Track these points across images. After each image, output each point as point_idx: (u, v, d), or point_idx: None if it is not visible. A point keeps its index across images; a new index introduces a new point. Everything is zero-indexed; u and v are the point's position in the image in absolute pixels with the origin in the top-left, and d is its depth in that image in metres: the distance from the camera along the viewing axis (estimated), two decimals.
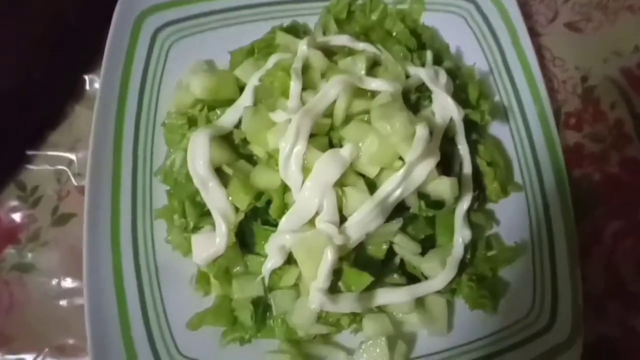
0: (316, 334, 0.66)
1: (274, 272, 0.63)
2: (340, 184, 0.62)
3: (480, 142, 0.73)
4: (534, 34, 0.85)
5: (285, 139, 0.61)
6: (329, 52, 0.73)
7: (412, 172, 0.62)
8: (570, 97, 0.83)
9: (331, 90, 0.64)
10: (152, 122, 0.75)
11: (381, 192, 0.61)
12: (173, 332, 0.66)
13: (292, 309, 0.64)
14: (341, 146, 0.63)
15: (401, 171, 0.61)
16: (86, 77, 0.83)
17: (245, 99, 0.70)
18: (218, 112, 0.72)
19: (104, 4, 0.76)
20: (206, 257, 0.65)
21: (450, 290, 0.68)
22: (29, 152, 0.79)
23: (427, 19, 0.83)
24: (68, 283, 0.73)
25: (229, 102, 0.72)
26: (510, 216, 0.72)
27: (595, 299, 0.72)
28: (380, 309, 0.66)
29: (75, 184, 0.77)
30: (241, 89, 0.72)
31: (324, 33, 0.79)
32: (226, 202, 0.64)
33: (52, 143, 0.79)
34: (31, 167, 0.78)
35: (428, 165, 0.62)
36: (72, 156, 0.79)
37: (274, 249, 0.62)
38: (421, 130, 0.61)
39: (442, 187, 0.64)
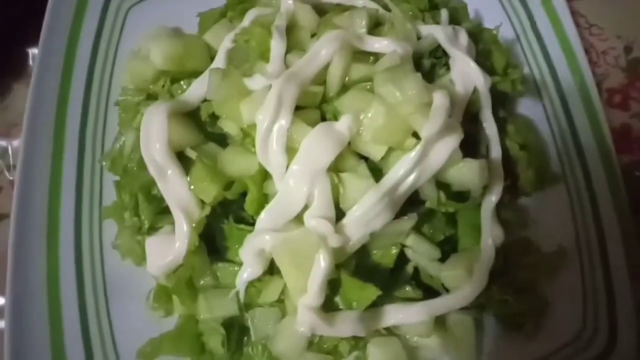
0: None
1: (251, 284, 0.55)
2: (335, 168, 0.53)
3: (509, 121, 0.65)
4: None
5: (264, 111, 0.52)
6: (322, 11, 0.64)
7: (428, 152, 0.52)
8: (612, 71, 0.77)
9: (323, 50, 0.55)
10: (104, 101, 0.69)
11: (389, 179, 0.52)
12: None
13: (275, 332, 0.55)
14: (336, 120, 0.54)
15: (415, 151, 0.51)
16: (29, 51, 0.75)
17: (217, 65, 0.62)
18: (184, 85, 0.64)
19: None
20: (164, 265, 0.56)
21: (478, 307, 0.58)
22: None
23: None
24: None
25: (198, 73, 0.64)
26: (550, 214, 0.65)
27: None
28: (390, 331, 0.58)
29: (10, 178, 0.69)
30: (212, 57, 0.64)
31: None
32: (188, 194, 0.55)
33: None
34: None
35: (449, 144, 0.53)
36: (7, 144, 0.71)
37: (250, 255, 0.53)
38: (440, 98, 0.52)
39: (468, 172, 0.55)
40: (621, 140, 0.71)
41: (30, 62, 0.74)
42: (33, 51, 0.74)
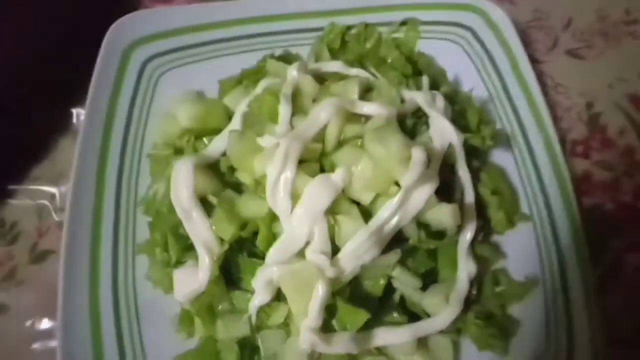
0: None
1: (261, 309, 0.60)
2: (332, 211, 0.58)
3: (482, 170, 0.71)
4: (534, 61, 0.85)
5: (273, 164, 0.58)
6: (321, 80, 0.71)
7: (409, 198, 0.58)
8: (575, 125, 0.81)
9: (322, 113, 0.62)
10: (138, 154, 0.74)
11: (376, 220, 0.58)
12: None
13: (282, 350, 0.59)
14: (333, 172, 0.60)
15: (397, 197, 0.57)
16: (73, 111, 0.82)
17: (234, 126, 0.68)
18: (206, 141, 0.70)
19: (93, 35, 0.76)
20: (188, 293, 0.61)
21: (455, 330, 0.63)
22: (10, 187, 0.76)
23: (423, 46, 0.82)
24: (43, 324, 0.68)
25: (218, 131, 0.70)
26: (519, 249, 0.69)
27: (620, 340, 0.66)
28: (380, 351, 0.62)
29: (57, 219, 0.75)
30: (230, 117, 0.71)
31: (317, 62, 0.77)
32: (210, 233, 0.61)
33: (35, 177, 0.77)
34: (11, 201, 0.76)
35: (426, 190, 0.58)
36: (55, 190, 0.76)
37: (261, 284, 0.58)
38: (418, 153, 0.58)
39: (443, 214, 0.61)
40: (584, 185, 0.76)
41: (74, 120, 0.81)
42: (77, 111, 0.81)
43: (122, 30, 0.77)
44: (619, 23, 0.88)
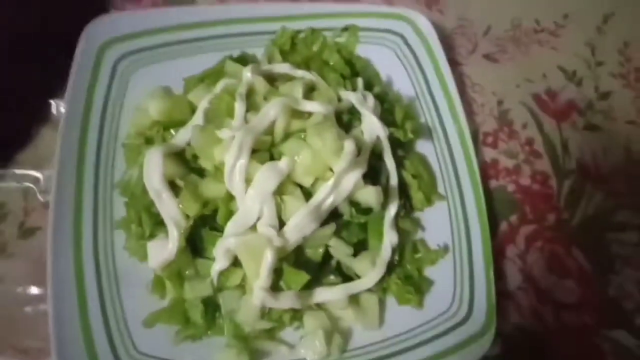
0: (261, 329, 0.69)
1: (221, 273, 0.68)
2: (279, 192, 0.68)
3: (406, 158, 0.81)
4: (455, 63, 0.96)
5: (230, 153, 0.67)
6: (272, 79, 0.81)
7: (341, 181, 0.69)
8: (487, 119, 0.93)
9: (271, 110, 0.71)
10: (113, 143, 0.80)
11: (315, 199, 0.68)
12: (131, 332, 0.68)
13: (239, 306, 0.68)
14: (280, 160, 0.69)
15: (332, 180, 0.67)
16: (52, 102, 0.88)
17: (197, 119, 0.76)
18: (173, 132, 0.77)
19: (68, 32, 0.82)
20: (160, 261, 0.69)
21: (381, 289, 0.74)
22: None
23: (361, 50, 0.92)
24: (33, 290, 0.76)
25: (183, 123, 0.77)
26: (434, 223, 0.80)
27: (511, 294, 0.80)
28: (319, 306, 0.71)
29: (41, 199, 0.81)
30: (194, 111, 0.78)
31: (269, 62, 0.86)
32: (177, 211, 0.69)
33: (19, 162, 0.83)
34: None
35: (355, 175, 0.69)
36: (38, 174, 0.83)
37: (220, 252, 0.67)
38: (349, 145, 0.69)
39: (369, 195, 0.71)
40: (491, 170, 0.88)
41: (54, 110, 0.87)
42: (56, 101, 0.87)
43: (95, 31, 0.83)
44: (529, 31, 1.00)
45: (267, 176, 0.67)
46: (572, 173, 0.88)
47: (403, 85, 0.89)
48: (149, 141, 0.78)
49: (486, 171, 0.87)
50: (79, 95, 0.80)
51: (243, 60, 0.87)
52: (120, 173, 0.79)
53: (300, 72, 0.81)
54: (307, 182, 0.69)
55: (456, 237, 0.79)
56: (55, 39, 0.86)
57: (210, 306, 0.70)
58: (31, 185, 0.83)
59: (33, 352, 0.73)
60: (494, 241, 0.79)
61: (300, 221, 0.67)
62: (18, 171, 0.83)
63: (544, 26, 1.02)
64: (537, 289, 0.80)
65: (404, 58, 0.90)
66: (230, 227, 0.67)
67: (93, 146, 0.79)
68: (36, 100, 0.88)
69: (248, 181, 0.67)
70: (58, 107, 0.88)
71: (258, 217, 0.67)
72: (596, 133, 0.92)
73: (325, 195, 0.69)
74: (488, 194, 0.83)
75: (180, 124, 0.78)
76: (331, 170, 0.69)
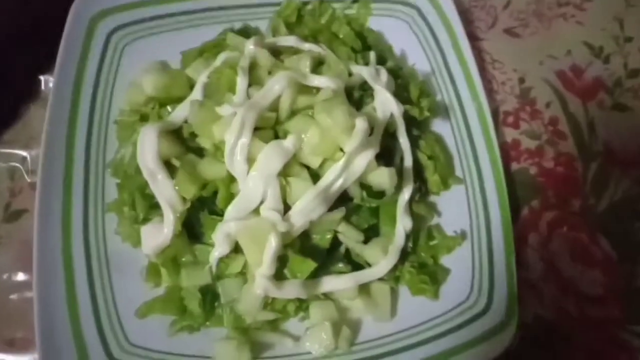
0: (263, 320, 0.67)
1: (221, 260, 0.65)
2: (284, 174, 0.64)
3: (421, 138, 0.77)
4: (474, 38, 0.91)
5: (230, 131, 0.63)
6: (277, 53, 0.76)
7: (352, 162, 0.65)
8: (508, 97, 0.88)
9: (276, 85, 0.67)
10: (105, 120, 0.77)
11: (323, 181, 0.64)
12: (123, 322, 0.66)
13: (239, 296, 0.65)
14: (285, 138, 0.65)
15: (341, 161, 0.63)
16: (42, 78, 0.85)
17: (195, 95, 0.72)
18: (169, 109, 0.74)
19: (60, 6, 0.78)
20: (155, 246, 0.66)
21: (393, 278, 0.70)
22: None
23: (373, 23, 0.87)
24: (19, 277, 0.73)
25: (180, 99, 0.74)
26: (451, 207, 0.76)
27: (533, 284, 0.76)
28: (327, 296, 0.68)
29: (29, 180, 0.78)
30: (192, 87, 0.75)
31: (274, 36, 0.82)
32: (173, 192, 0.66)
33: (6, 141, 0.80)
34: None
35: (367, 156, 0.65)
36: (26, 153, 0.80)
37: (220, 238, 0.64)
38: (360, 123, 0.64)
39: (382, 177, 0.67)
40: (512, 152, 0.83)
41: (43, 87, 0.84)
42: (46, 77, 0.84)
43: (87, 1, 0.79)
44: (552, 5, 0.95)
45: (271, 156, 0.64)
46: (599, 155, 0.84)
47: (418, 60, 0.84)
48: (143, 118, 0.75)
49: (507, 153, 0.83)
50: (69, 70, 0.77)
51: (245, 33, 0.82)
52: (112, 152, 0.75)
53: (307, 45, 0.76)
54: (314, 162, 0.66)
55: (474, 222, 0.75)
56: (46, 11, 0.82)
57: (209, 295, 0.68)
58: (18, 165, 0.80)
59: (19, 343, 0.71)
60: (515, 227, 0.74)
61: (306, 205, 0.63)
62: (4, 150, 0.80)
63: None
64: (559, 279, 0.76)
65: (419, 31, 0.85)
66: (230, 210, 0.64)
67: (84, 124, 0.75)
68: (24, 76, 0.85)
69: (250, 161, 0.64)
70: (47, 83, 0.85)
71: (261, 200, 0.64)
72: (625, 113, 0.86)
73: (335, 177, 0.64)
74: (509, 177, 0.79)
75: (177, 100, 0.75)
76: (341, 150, 0.65)
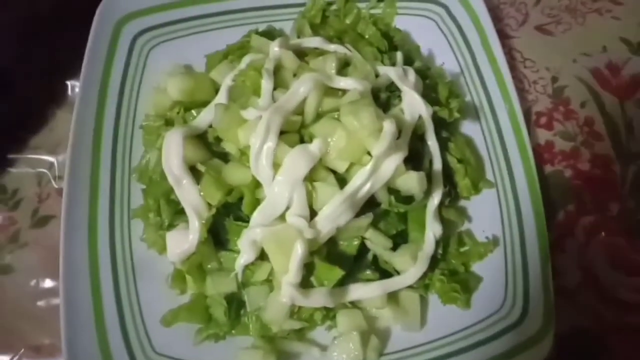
0: (290, 329, 0.66)
1: (247, 267, 0.64)
2: (310, 179, 0.63)
3: (451, 140, 0.75)
4: (504, 36, 0.89)
5: (256, 136, 0.63)
6: (302, 55, 0.75)
7: (379, 166, 0.63)
8: (540, 97, 0.86)
9: (301, 87, 0.66)
10: (131, 125, 0.77)
11: (350, 186, 0.63)
12: (148, 330, 0.66)
13: (265, 304, 0.64)
14: (311, 142, 0.64)
15: (369, 165, 0.62)
16: (68, 83, 0.85)
17: (220, 99, 0.72)
18: (194, 113, 0.74)
19: (84, 10, 0.78)
20: (180, 253, 0.66)
21: (423, 286, 0.69)
22: (10, 156, 0.80)
23: (399, 22, 0.86)
24: (46, 283, 0.73)
25: (205, 103, 0.74)
26: (482, 212, 0.74)
27: (569, 292, 0.73)
28: (354, 305, 0.67)
29: (56, 186, 0.79)
30: (217, 90, 0.74)
31: (299, 37, 0.81)
32: (199, 198, 0.65)
33: (34, 146, 0.81)
34: (12, 170, 0.80)
35: (395, 159, 0.64)
36: (53, 159, 0.80)
37: (246, 244, 0.63)
38: (388, 125, 0.63)
39: (411, 181, 0.66)
40: (546, 154, 0.81)
41: (69, 92, 0.84)
42: (72, 83, 0.85)
43: (112, 5, 0.80)
44: (586, 0, 0.92)
45: (297, 161, 0.62)
46: (638, 157, 0.80)
47: (446, 60, 0.82)
48: (168, 123, 0.75)
49: (540, 155, 0.80)
50: (95, 74, 0.77)
51: (269, 35, 0.82)
52: (138, 158, 0.76)
53: (333, 46, 0.75)
54: (341, 167, 0.64)
55: (507, 228, 0.72)
56: (72, 16, 0.82)
57: (235, 303, 0.67)
58: (45, 171, 0.80)
59: (46, 349, 0.71)
60: (550, 233, 0.71)
61: (333, 211, 0.62)
62: (31, 156, 0.81)
63: None
64: (598, 287, 0.73)
65: (447, 30, 0.83)
66: (256, 216, 0.63)
67: (110, 129, 0.76)
68: (51, 81, 0.85)
69: (276, 166, 0.63)
70: (74, 88, 0.86)
71: (287, 205, 0.63)
72: None
73: (362, 182, 0.63)
74: (542, 180, 0.76)
75: (202, 104, 0.74)
76: (368, 153, 0.64)
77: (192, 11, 0.83)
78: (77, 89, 0.82)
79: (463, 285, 0.69)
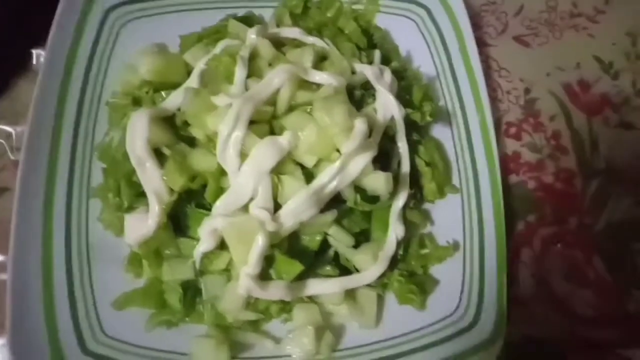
0: (245, 320, 0.65)
1: (205, 256, 0.63)
2: (277, 171, 0.62)
3: (421, 143, 0.75)
4: (482, 44, 0.89)
5: (224, 123, 0.61)
6: (280, 44, 0.74)
7: (348, 164, 0.63)
8: (512, 107, 0.86)
9: (275, 78, 0.65)
10: (97, 101, 0.74)
11: (317, 182, 0.62)
12: (99, 311, 0.65)
13: (222, 293, 0.64)
14: (281, 134, 0.63)
15: (337, 163, 0.62)
16: (33, 52, 0.82)
17: (191, 82, 0.70)
18: (164, 94, 0.72)
19: None
20: (138, 237, 0.65)
21: (381, 285, 0.69)
22: None
23: (380, 20, 0.85)
24: None
25: (176, 85, 0.72)
26: (445, 216, 0.75)
27: (523, 301, 0.74)
28: (311, 299, 0.67)
29: (12, 157, 0.76)
30: (189, 73, 0.73)
31: (278, 26, 0.79)
32: (161, 183, 0.64)
33: None
34: None
35: (364, 158, 0.63)
36: (11, 129, 0.77)
37: (206, 233, 0.62)
38: (360, 124, 0.63)
39: (378, 182, 0.65)
40: (512, 164, 0.81)
41: (34, 61, 0.81)
42: (36, 51, 0.81)
43: None
44: (565, 15, 0.93)
45: (265, 152, 0.62)
46: (600, 174, 0.82)
47: (423, 62, 0.82)
48: (136, 102, 0.73)
49: (506, 164, 0.81)
50: (62, 45, 0.74)
51: (248, 20, 0.80)
52: (102, 135, 0.73)
53: (311, 39, 0.74)
54: (309, 161, 0.64)
55: (468, 234, 0.73)
56: None
57: (190, 290, 0.66)
58: (2, 141, 0.77)
59: None
60: (509, 242, 0.73)
61: (298, 205, 0.61)
62: None
63: (582, 10, 0.94)
64: (551, 298, 0.74)
65: (427, 33, 0.83)
66: (219, 205, 0.63)
67: (73, 102, 0.73)
68: (15, 48, 0.82)
69: (243, 156, 0.62)
70: (39, 57, 0.82)
71: (251, 196, 0.62)
72: (630, 132, 0.84)
73: (329, 179, 0.63)
74: (507, 189, 0.77)
75: (173, 86, 0.73)
76: (338, 151, 0.63)
77: None
78: (42, 59, 0.80)
79: (420, 286, 0.69)
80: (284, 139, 0.62)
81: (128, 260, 0.67)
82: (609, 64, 0.89)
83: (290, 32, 0.75)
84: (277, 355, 0.65)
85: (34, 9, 0.80)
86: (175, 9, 0.81)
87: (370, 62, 0.75)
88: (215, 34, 0.76)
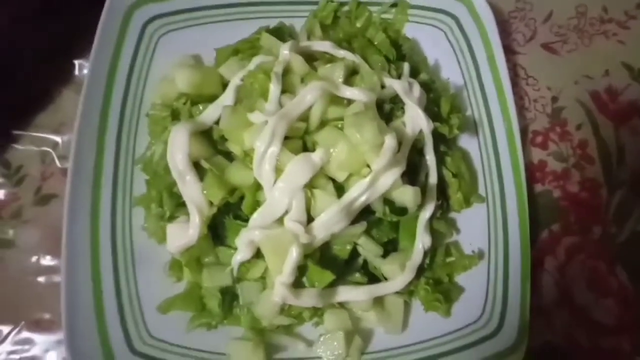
0: (279, 324, 0.69)
1: (242, 264, 0.66)
2: (310, 186, 0.65)
3: (448, 154, 0.76)
4: (510, 51, 0.89)
5: (260, 140, 0.64)
6: (311, 56, 0.75)
7: (377, 180, 0.65)
8: (539, 116, 0.87)
9: (308, 95, 0.66)
10: (137, 112, 0.77)
11: (348, 196, 0.64)
12: (144, 313, 0.68)
13: (258, 300, 0.67)
14: (314, 150, 0.66)
15: (368, 178, 0.64)
16: (76, 62, 0.85)
17: (227, 97, 0.72)
18: (201, 107, 0.74)
19: None
20: (179, 246, 0.68)
21: (408, 292, 0.72)
22: (16, 132, 0.80)
23: (409, 30, 0.86)
24: (47, 261, 0.75)
25: (212, 97, 0.74)
26: (471, 225, 0.77)
27: (545, 309, 0.76)
28: (341, 305, 0.70)
29: (59, 165, 0.79)
30: (224, 85, 0.75)
31: (309, 37, 0.81)
32: (201, 196, 0.67)
33: (39, 124, 0.81)
34: (17, 146, 0.80)
35: (393, 174, 0.65)
36: (58, 138, 0.80)
37: (243, 243, 0.65)
38: (389, 141, 0.65)
39: (406, 195, 0.67)
40: (538, 173, 0.82)
41: (77, 71, 0.84)
42: (79, 62, 0.84)
43: None
44: (595, 21, 0.92)
45: (299, 169, 0.64)
46: (625, 184, 0.82)
47: (451, 72, 0.83)
48: (175, 114, 0.75)
49: (532, 173, 0.82)
50: (104, 57, 0.76)
51: (280, 32, 0.81)
52: (142, 145, 0.76)
53: (342, 52, 0.75)
54: (340, 177, 0.66)
55: (493, 243, 0.75)
56: None
57: (228, 296, 0.70)
58: (49, 150, 0.80)
59: (45, 324, 0.73)
60: (533, 250, 0.74)
61: (330, 218, 0.64)
62: (36, 134, 0.81)
63: (612, 16, 0.93)
64: (573, 306, 0.77)
65: (455, 42, 0.84)
66: (255, 218, 0.65)
67: (116, 113, 0.76)
68: (59, 59, 0.84)
69: (278, 171, 0.64)
70: (82, 68, 0.85)
71: (286, 210, 0.64)
72: None
73: (359, 193, 0.65)
74: (532, 198, 0.78)
75: (209, 98, 0.74)
76: (368, 166, 0.65)
77: (204, 1, 0.82)
78: (84, 70, 0.83)
79: (445, 294, 0.71)
80: (316, 156, 0.64)
81: (170, 265, 0.71)
82: (639, 71, 0.89)
83: (322, 45, 0.76)
84: (309, 357, 0.69)
85: (75, 19, 0.82)
86: (208, 20, 0.83)
87: (400, 75, 0.76)
88: (250, 48, 0.78)
